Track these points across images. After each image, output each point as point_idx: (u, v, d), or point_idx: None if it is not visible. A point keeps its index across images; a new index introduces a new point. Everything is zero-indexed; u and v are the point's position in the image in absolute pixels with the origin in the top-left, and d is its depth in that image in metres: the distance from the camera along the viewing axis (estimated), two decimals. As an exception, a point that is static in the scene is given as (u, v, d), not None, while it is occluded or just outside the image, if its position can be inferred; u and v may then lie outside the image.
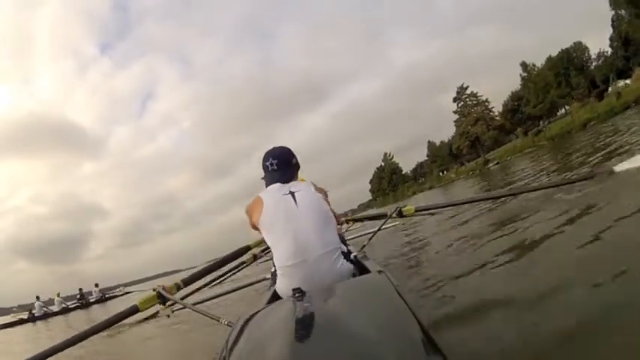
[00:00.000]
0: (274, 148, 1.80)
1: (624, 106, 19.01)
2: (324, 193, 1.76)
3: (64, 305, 15.40)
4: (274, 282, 1.67)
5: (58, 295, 15.59)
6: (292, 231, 1.49)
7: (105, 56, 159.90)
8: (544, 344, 1.35)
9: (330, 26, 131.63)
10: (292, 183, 1.68)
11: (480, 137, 43.05)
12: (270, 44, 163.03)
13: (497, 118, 44.66)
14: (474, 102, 45.03)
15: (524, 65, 41.01)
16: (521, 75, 41.43)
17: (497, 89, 64.93)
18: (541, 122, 36.98)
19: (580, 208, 2.83)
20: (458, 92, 45.54)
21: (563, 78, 35.76)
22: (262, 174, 1.81)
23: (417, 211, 2.77)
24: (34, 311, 14.56)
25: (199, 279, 2.08)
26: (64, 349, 1.66)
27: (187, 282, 1.90)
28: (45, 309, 14.89)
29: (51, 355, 1.64)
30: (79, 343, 1.68)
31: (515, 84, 43.25)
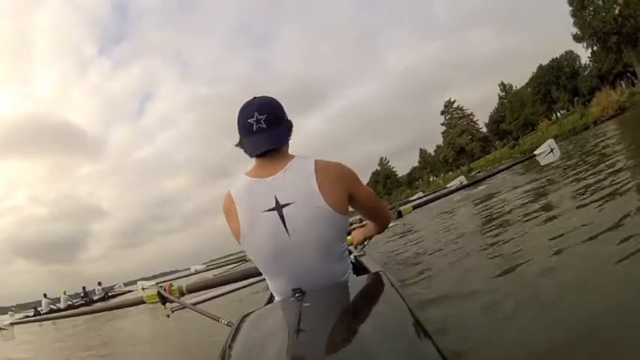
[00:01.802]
0: (256, 99, 1.13)
1: (585, 126, 21.10)
2: (337, 178, 1.08)
3: (69, 303, 15.24)
4: None
5: (64, 293, 15.53)
6: (286, 269, 1.06)
7: (104, 58, 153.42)
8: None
9: (327, 29, 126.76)
10: (280, 174, 1.06)
11: (465, 148, 43.72)
12: (268, 47, 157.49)
13: (482, 129, 45.71)
14: (460, 115, 46.22)
15: (502, 85, 42.20)
16: (499, 95, 42.64)
17: (496, 91, 64.04)
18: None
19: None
20: (445, 106, 46.64)
21: (554, 86, 36.31)
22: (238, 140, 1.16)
23: (414, 208, 2.71)
24: (39, 308, 14.34)
25: (205, 289, 1.96)
26: (64, 318, 1.61)
27: (191, 290, 1.76)
28: (52, 306, 14.72)
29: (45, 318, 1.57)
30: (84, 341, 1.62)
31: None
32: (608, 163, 5.12)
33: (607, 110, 20.95)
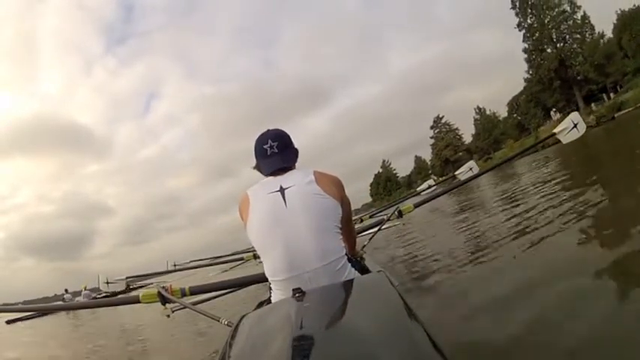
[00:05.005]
0: (270, 130, 1.28)
1: (535, 149, 22.08)
2: (332, 182, 1.18)
3: (92, 296, 15.02)
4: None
5: (85, 288, 15.24)
6: (281, 240, 1.07)
7: (109, 57, 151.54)
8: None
9: (331, 30, 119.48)
10: (287, 174, 1.19)
11: (450, 159, 44.96)
12: (272, 48, 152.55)
13: (467, 141, 47.03)
14: (447, 129, 47.67)
15: (477, 108, 44.97)
16: (474, 117, 45.30)
17: (496, 91, 59.78)
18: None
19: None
20: (434, 121, 48.38)
21: (535, 101, 36.36)
22: (255, 163, 1.29)
23: (415, 206, 2.42)
24: (78, 298, 14.21)
25: (209, 292, 1.85)
26: (57, 311, 1.46)
27: (195, 291, 1.63)
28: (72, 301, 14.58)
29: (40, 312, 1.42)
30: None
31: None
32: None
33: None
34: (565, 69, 29.97)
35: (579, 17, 30.21)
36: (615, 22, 28.73)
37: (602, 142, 10.07)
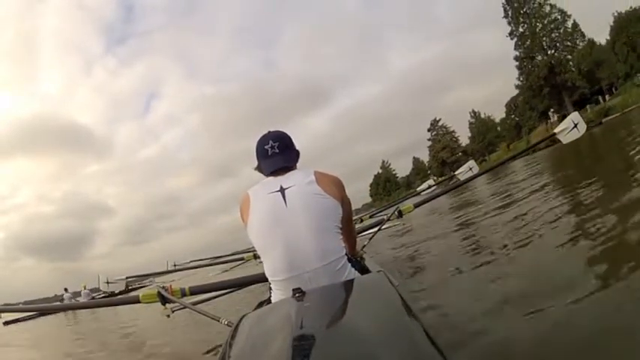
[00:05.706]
0: (271, 131, 1.29)
1: (527, 153, 22.66)
2: (333, 182, 1.17)
3: (91, 296, 14.91)
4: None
5: (85, 287, 15.12)
6: (281, 239, 1.06)
7: (109, 57, 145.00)
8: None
9: (331, 30, 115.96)
10: (288, 175, 1.18)
11: (446, 160, 45.24)
12: (273, 48, 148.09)
13: (464, 143, 47.33)
14: (444, 132, 47.93)
15: (473, 112, 45.50)
16: (469, 120, 45.88)
17: (495, 91, 59.55)
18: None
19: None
20: (431, 124, 48.58)
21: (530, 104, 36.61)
22: (256, 165, 1.29)
23: (415, 206, 2.42)
24: (78, 299, 14.09)
25: (209, 292, 1.84)
26: (57, 311, 1.45)
27: (195, 291, 1.62)
28: (73, 300, 14.44)
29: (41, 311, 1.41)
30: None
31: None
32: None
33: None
34: (554, 76, 30.49)
35: (570, 25, 30.74)
36: (612, 24, 28.74)
37: (593, 143, 10.25)
